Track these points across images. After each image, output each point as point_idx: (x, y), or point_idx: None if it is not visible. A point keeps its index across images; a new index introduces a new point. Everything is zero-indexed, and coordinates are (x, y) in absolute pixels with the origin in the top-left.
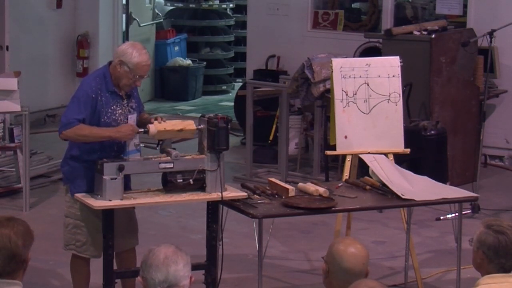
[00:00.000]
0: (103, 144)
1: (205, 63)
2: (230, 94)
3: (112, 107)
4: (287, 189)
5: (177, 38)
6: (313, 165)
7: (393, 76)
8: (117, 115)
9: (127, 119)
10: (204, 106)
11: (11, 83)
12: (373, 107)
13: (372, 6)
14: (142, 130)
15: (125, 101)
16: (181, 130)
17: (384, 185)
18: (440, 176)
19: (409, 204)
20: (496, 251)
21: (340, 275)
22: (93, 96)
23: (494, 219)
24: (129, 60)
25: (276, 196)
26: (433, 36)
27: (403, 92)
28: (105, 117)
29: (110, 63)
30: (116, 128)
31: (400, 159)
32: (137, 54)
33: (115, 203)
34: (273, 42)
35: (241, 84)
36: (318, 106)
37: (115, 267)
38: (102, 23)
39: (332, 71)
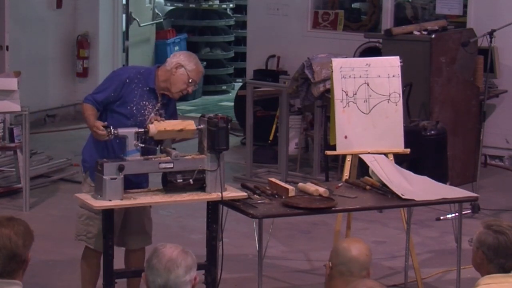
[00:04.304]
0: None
1: (205, 63)
2: (230, 94)
3: (143, 102)
4: (287, 189)
5: (177, 38)
6: (313, 165)
7: (393, 76)
8: (145, 111)
9: None
10: (204, 106)
11: (11, 83)
12: (373, 107)
13: (372, 6)
14: (142, 130)
15: (159, 105)
16: (181, 130)
17: (384, 185)
18: (440, 176)
19: (409, 204)
20: (496, 251)
21: (343, 268)
22: (127, 81)
23: (494, 219)
24: (188, 64)
25: (276, 196)
26: (433, 36)
27: (403, 92)
28: (134, 108)
29: (158, 66)
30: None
31: (400, 159)
32: (195, 61)
33: (115, 203)
34: (273, 42)
35: (241, 84)
36: (318, 106)
37: (117, 266)
38: (102, 23)
39: (332, 71)
